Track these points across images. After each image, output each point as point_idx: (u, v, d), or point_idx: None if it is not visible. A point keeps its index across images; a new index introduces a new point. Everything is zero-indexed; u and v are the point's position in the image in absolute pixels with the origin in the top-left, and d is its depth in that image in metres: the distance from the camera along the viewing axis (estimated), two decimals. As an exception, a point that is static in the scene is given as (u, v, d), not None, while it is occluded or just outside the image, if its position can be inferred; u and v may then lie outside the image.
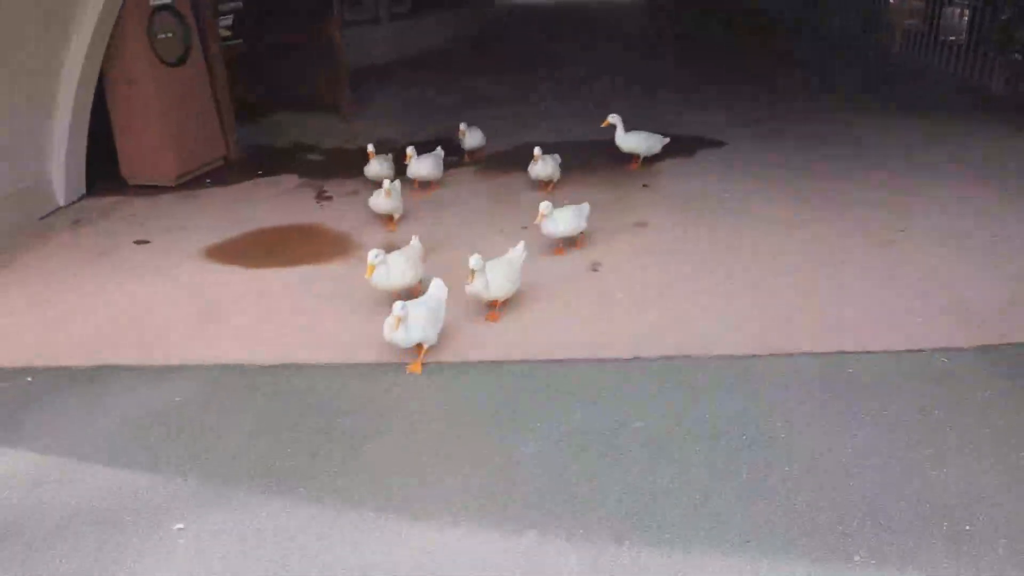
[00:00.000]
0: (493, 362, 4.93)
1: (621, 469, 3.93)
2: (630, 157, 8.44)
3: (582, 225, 6.34)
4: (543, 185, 7.91)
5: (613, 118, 8.08)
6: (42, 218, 7.97)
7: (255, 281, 6.21)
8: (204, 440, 4.30)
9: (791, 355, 4.86)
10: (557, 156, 7.92)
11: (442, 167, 8.00)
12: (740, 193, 7.65)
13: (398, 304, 4.56)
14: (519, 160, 8.75)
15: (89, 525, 3.75)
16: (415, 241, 5.74)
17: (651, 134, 8.32)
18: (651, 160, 8.54)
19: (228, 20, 11.83)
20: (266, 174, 9.02)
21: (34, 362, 5.21)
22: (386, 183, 6.77)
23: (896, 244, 6.34)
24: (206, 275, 6.40)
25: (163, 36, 8.55)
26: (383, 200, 6.84)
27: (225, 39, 10.60)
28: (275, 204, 8.02)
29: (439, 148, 8.23)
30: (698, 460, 3.98)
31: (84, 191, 8.62)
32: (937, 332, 5.05)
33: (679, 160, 8.72)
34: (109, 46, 8.27)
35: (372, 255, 5.18)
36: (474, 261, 5.09)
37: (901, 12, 14.97)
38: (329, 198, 8.00)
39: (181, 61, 8.82)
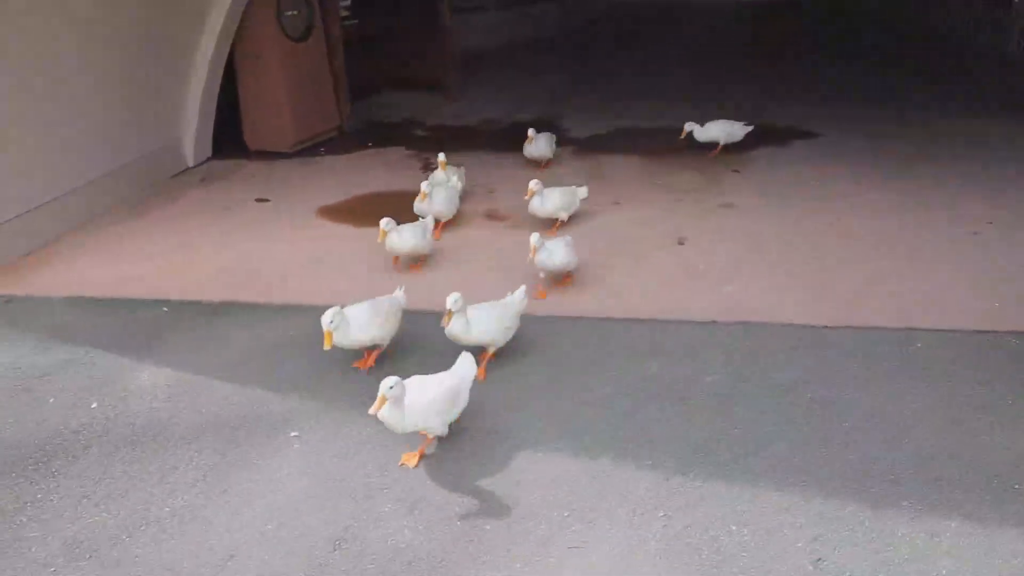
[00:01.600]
0: (578, 317, 5.33)
1: (690, 414, 4.27)
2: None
3: (574, 260, 5.65)
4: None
5: (689, 125, 8.38)
6: (173, 176, 8.72)
7: (364, 238, 6.73)
8: (315, 367, 4.82)
9: (862, 328, 5.08)
10: (552, 135, 8.38)
11: (457, 201, 6.97)
12: (829, 180, 7.81)
13: (386, 382, 3.71)
14: (614, 143, 9.15)
15: (217, 429, 4.31)
16: (399, 293, 4.97)
17: (731, 122, 8.55)
18: (743, 148, 8.75)
19: (347, 1, 12.52)
20: (376, 145, 9.63)
21: (168, 295, 5.86)
22: (383, 221, 5.82)
23: (983, 234, 6.44)
24: (319, 230, 7.00)
25: (290, 13, 9.22)
26: (396, 238, 5.87)
27: (344, 19, 11.26)
28: (383, 172, 8.59)
29: (455, 178, 7.29)
30: (763, 412, 4.27)
31: (210, 154, 9.36)
32: (1012, 317, 5.18)
33: (772, 149, 8.91)
34: (240, 22, 8.98)
35: (326, 320, 4.35)
36: (451, 301, 4.40)
37: (1022, 12, 14.63)
38: (434, 168, 8.49)
39: (304, 37, 9.48)
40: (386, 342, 4.79)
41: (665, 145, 8.90)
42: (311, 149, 9.55)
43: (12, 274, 6.29)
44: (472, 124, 10.48)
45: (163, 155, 8.70)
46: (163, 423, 4.40)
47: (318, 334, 4.43)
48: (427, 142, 9.73)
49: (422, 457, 3.99)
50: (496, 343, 4.66)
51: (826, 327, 5.12)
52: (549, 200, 6.53)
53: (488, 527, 3.55)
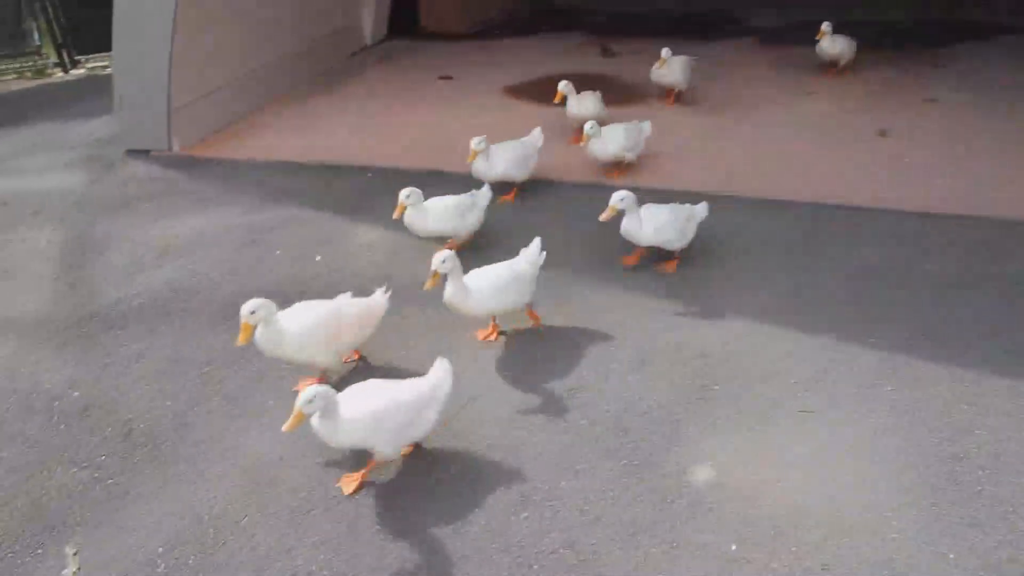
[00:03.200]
0: (788, 201, 5.27)
1: (912, 299, 4.21)
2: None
3: (688, 236, 4.53)
4: (828, 67, 7.46)
5: (825, 26, 7.45)
6: (353, 54, 8.94)
7: (552, 116, 6.77)
8: (531, 232, 4.92)
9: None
10: (687, 59, 7.01)
11: (533, 159, 5.57)
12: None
13: (304, 394, 2.90)
14: (798, 35, 8.81)
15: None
16: (379, 294, 3.87)
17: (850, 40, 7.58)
18: (945, 43, 8.28)
19: None
20: (551, 30, 9.57)
21: (371, 163, 6.10)
22: (403, 193, 4.54)
23: None
24: (509, 108, 7.10)
25: None
26: (416, 217, 4.63)
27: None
28: (562, 55, 8.57)
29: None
30: (989, 301, 4.16)
31: (386, 34, 9.52)
32: None
33: (975, 44, 8.38)
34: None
35: (246, 310, 3.33)
36: (438, 261, 3.61)
37: None
38: (614, 54, 8.41)
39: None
40: (336, 361, 3.67)
41: (864, 41, 8.48)
42: (486, 32, 9.59)
43: (225, 141, 6.69)
44: (644, 12, 10.24)
45: (345, 34, 8.91)
46: (387, 278, 4.62)
47: (522, 199, 4.43)
48: (603, 27, 9.61)
49: (362, 485, 3.21)
50: (491, 311, 3.89)
51: (1050, 223, 4.89)
52: (612, 140, 5.52)
53: (716, 388, 3.65)
